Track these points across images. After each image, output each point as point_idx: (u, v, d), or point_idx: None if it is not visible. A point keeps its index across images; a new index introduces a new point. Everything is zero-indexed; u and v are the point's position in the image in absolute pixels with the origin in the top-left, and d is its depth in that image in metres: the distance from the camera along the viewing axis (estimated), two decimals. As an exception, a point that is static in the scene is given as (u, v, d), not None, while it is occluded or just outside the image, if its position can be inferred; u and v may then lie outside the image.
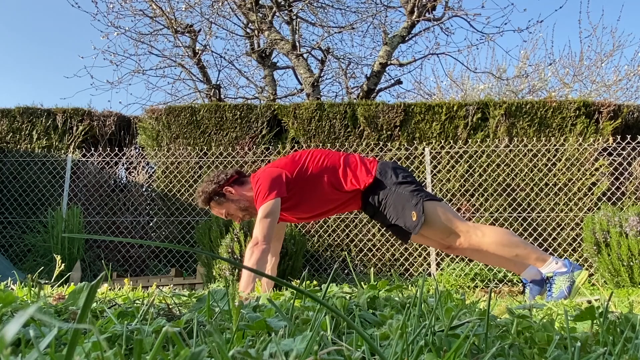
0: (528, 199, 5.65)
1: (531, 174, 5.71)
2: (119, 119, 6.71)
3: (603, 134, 5.87)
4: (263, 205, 2.47)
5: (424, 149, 5.82)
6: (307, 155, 2.68)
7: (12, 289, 1.47)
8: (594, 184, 5.67)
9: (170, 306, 1.06)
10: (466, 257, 4.69)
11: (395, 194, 2.54)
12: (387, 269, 5.65)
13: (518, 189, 5.70)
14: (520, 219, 5.60)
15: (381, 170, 2.61)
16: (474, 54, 20.93)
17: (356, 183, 2.59)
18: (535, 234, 5.49)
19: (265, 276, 0.43)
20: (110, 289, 1.65)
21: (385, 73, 9.26)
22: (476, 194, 5.71)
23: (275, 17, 8.96)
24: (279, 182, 2.52)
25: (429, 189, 5.63)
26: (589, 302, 1.48)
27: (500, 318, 0.81)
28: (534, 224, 5.58)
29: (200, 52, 9.12)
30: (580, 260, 5.33)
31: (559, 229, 5.51)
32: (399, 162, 5.82)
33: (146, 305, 0.92)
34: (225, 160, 6.01)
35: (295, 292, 0.99)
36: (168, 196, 6.08)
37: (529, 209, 5.61)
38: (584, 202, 5.62)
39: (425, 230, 2.49)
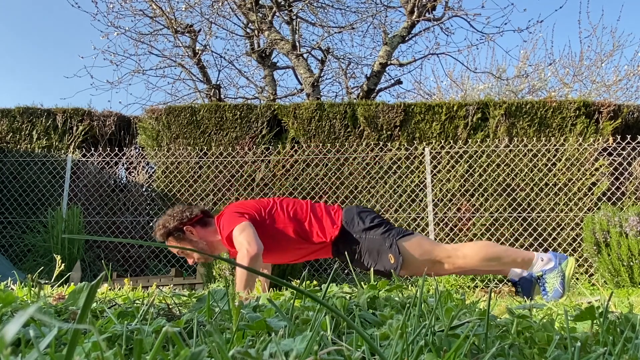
0: (528, 199, 5.65)
1: (531, 174, 5.71)
2: (119, 119, 6.71)
3: (603, 134, 5.87)
4: (236, 227, 2.43)
5: (424, 149, 5.82)
6: (274, 202, 2.66)
7: (12, 289, 1.47)
8: (594, 184, 5.67)
9: (170, 306, 1.06)
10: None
11: (367, 240, 2.53)
12: (387, 269, 5.65)
13: (518, 189, 5.70)
14: (520, 219, 5.60)
15: (347, 218, 2.60)
16: (474, 54, 20.94)
17: (322, 235, 2.56)
18: (535, 234, 5.49)
19: (262, 275, 0.43)
20: (110, 289, 1.65)
21: (385, 73, 9.27)
22: (476, 194, 5.71)
23: (275, 17, 8.96)
24: (245, 214, 2.52)
25: (429, 189, 5.64)
26: (589, 302, 1.48)
27: (500, 318, 0.81)
28: (534, 224, 5.58)
29: (200, 52, 9.12)
30: (580, 260, 5.33)
31: (559, 229, 5.51)
32: (399, 162, 5.83)
33: (146, 305, 0.92)
34: (225, 160, 6.01)
35: (295, 292, 0.99)
36: (168, 196, 6.08)
37: (529, 209, 5.60)
38: (584, 202, 5.62)
39: (407, 267, 2.51)
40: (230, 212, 2.56)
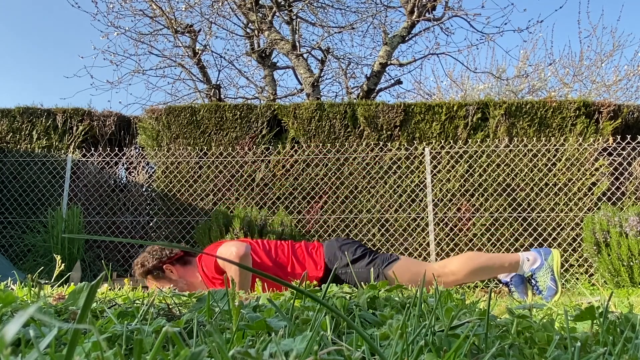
0: (528, 199, 5.65)
1: (531, 174, 5.71)
2: (119, 119, 6.71)
3: (603, 134, 5.87)
4: (219, 248, 2.42)
5: (424, 149, 5.82)
6: (255, 243, 2.65)
7: (12, 289, 1.47)
8: (594, 184, 5.67)
9: (170, 306, 1.06)
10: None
11: (354, 274, 2.54)
12: (387, 269, 5.65)
13: (518, 189, 5.70)
14: (520, 219, 5.60)
15: (329, 255, 2.59)
16: (474, 54, 20.96)
17: (306, 278, 2.57)
18: (535, 234, 5.49)
19: (261, 274, 0.43)
20: (110, 289, 1.65)
21: (385, 73, 9.26)
22: (476, 194, 5.71)
23: (275, 17, 8.96)
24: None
25: (429, 189, 5.64)
26: (589, 302, 1.48)
27: (500, 318, 0.81)
28: (534, 224, 5.58)
29: (200, 52, 9.12)
30: (580, 260, 5.33)
31: (559, 229, 5.51)
32: (399, 162, 5.83)
33: (146, 305, 0.92)
34: (225, 160, 6.01)
35: (295, 292, 0.98)
36: (168, 196, 6.08)
37: (529, 209, 5.60)
38: (584, 202, 5.62)
39: None
40: (210, 248, 2.56)
